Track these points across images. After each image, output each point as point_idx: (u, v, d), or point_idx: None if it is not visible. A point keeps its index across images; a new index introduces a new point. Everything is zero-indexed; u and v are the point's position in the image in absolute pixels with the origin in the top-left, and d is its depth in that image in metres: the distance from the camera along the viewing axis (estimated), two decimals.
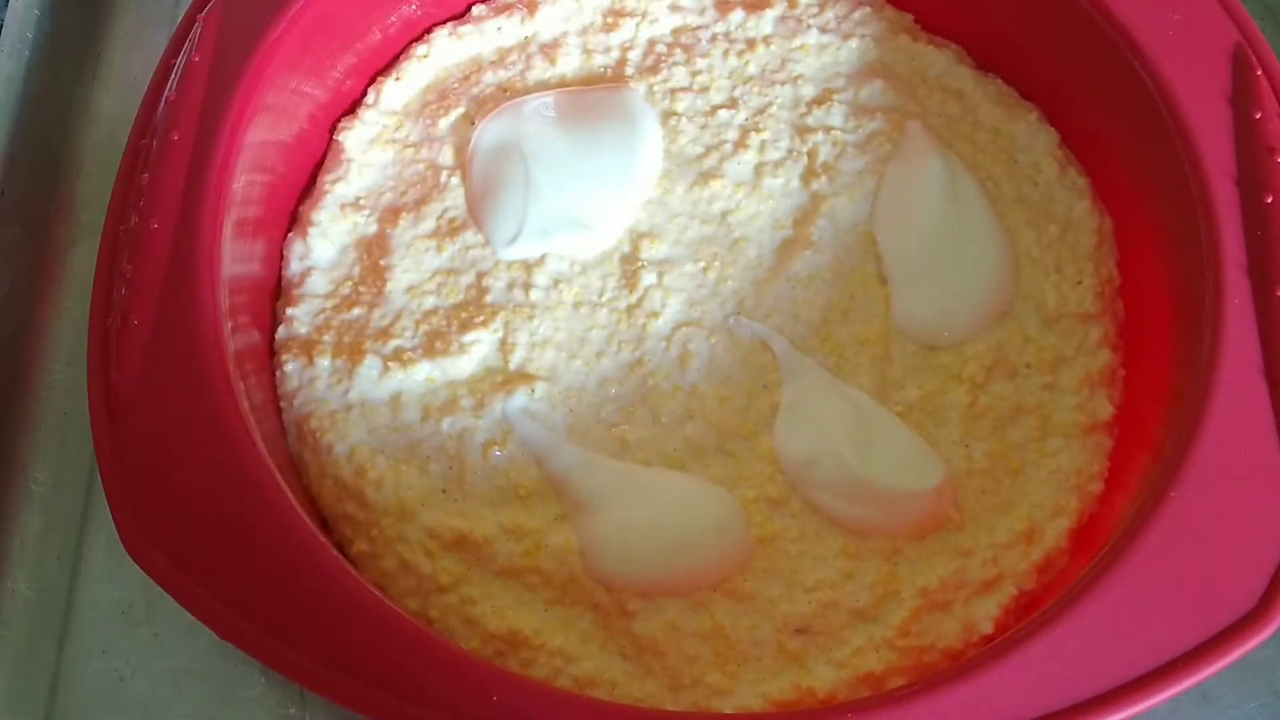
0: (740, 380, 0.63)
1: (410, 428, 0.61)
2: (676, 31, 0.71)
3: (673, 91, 0.69)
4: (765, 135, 0.68)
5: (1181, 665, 0.48)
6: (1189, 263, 0.58)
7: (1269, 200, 0.55)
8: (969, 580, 0.58)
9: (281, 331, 0.64)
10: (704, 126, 0.68)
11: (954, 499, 0.60)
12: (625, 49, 0.71)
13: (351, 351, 0.62)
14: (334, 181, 0.67)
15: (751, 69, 0.70)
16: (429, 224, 0.66)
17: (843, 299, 0.64)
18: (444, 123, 0.68)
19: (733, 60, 0.70)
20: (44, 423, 0.68)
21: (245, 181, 0.60)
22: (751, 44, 0.70)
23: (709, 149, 0.68)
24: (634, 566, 0.57)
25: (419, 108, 0.69)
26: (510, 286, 0.64)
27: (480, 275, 0.64)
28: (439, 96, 0.69)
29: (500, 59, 0.71)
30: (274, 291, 0.66)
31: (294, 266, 0.65)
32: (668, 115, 0.68)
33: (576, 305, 0.64)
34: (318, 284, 0.65)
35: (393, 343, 0.62)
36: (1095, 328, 0.63)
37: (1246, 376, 0.53)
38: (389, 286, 0.64)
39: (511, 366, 0.62)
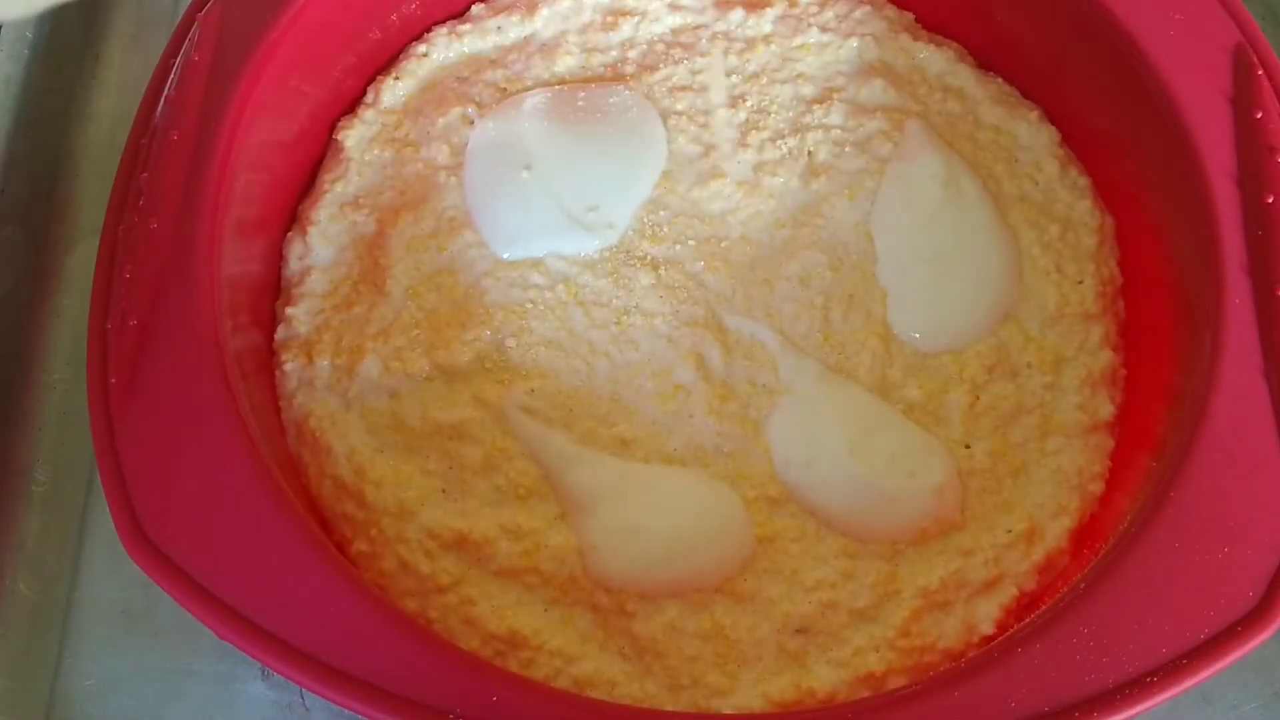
0: (740, 379, 0.63)
1: (410, 427, 0.61)
2: (676, 31, 0.71)
3: (673, 91, 0.69)
4: (765, 134, 0.68)
5: (1181, 665, 0.48)
6: (1190, 262, 0.58)
7: (1269, 200, 0.55)
8: (969, 580, 0.58)
9: (281, 331, 0.64)
10: (704, 126, 0.68)
11: (960, 501, 0.60)
12: (625, 48, 0.71)
13: (351, 351, 0.62)
14: (333, 180, 0.67)
15: (752, 68, 0.70)
16: (428, 223, 0.66)
17: (843, 299, 0.64)
18: (443, 122, 0.68)
19: (733, 59, 0.70)
20: (44, 423, 0.68)
21: (245, 181, 0.60)
22: (752, 43, 0.70)
23: (709, 148, 0.68)
24: (634, 567, 0.57)
25: (418, 107, 0.69)
26: (510, 286, 0.64)
27: (480, 275, 0.64)
28: (438, 95, 0.69)
29: (500, 58, 0.71)
30: (274, 291, 0.66)
31: (293, 266, 0.65)
32: (668, 114, 0.68)
33: (576, 305, 0.64)
34: (317, 283, 0.64)
35: (393, 342, 0.62)
36: (1096, 327, 0.63)
37: (1247, 376, 0.53)
38: (389, 286, 0.64)
39: (511, 366, 0.62)
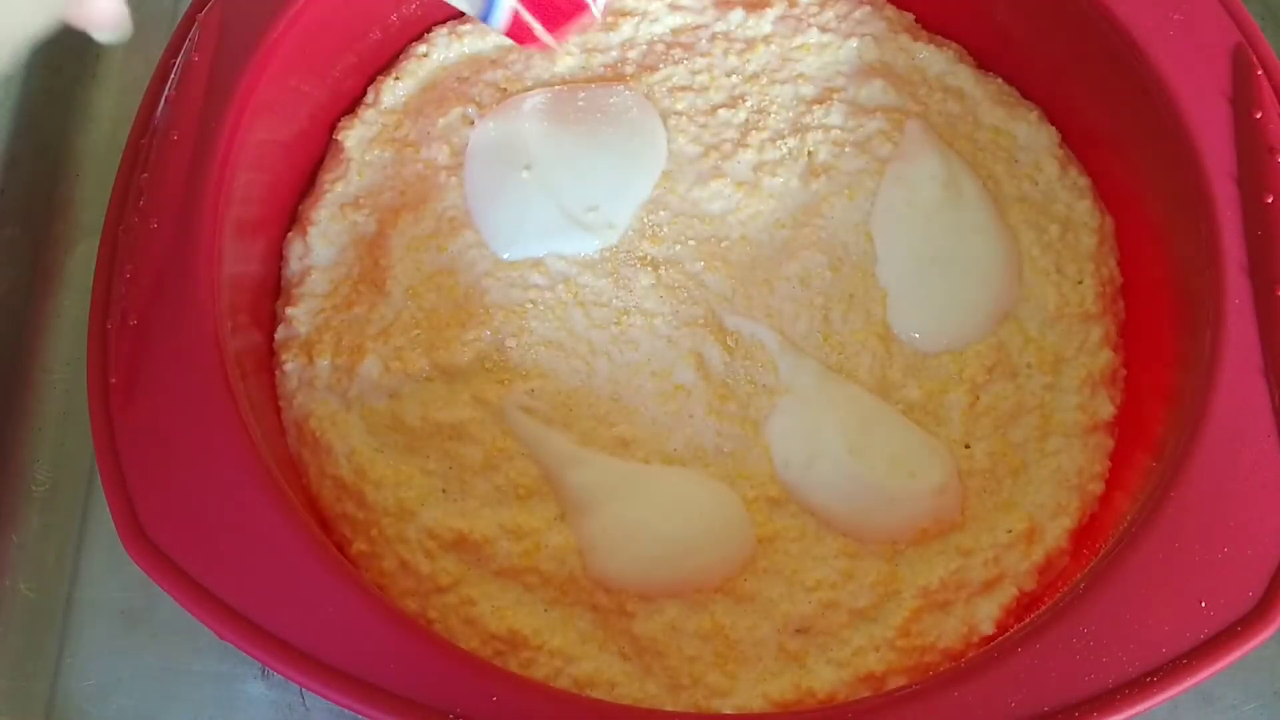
0: (740, 379, 0.63)
1: (410, 427, 0.61)
2: (676, 31, 0.71)
3: (673, 90, 0.69)
4: (765, 134, 0.68)
5: (1181, 665, 0.48)
6: (1189, 262, 0.58)
7: (1269, 200, 0.55)
8: (970, 580, 0.58)
9: (281, 331, 0.64)
10: (704, 126, 0.68)
11: (960, 501, 0.60)
12: (625, 48, 0.71)
13: (351, 351, 0.62)
14: (334, 181, 0.67)
15: (752, 68, 0.70)
16: (429, 223, 0.66)
17: (843, 299, 0.64)
18: (443, 122, 0.68)
19: (733, 59, 0.70)
20: (44, 423, 0.68)
21: (245, 181, 0.60)
22: (751, 43, 0.70)
23: (709, 148, 0.68)
24: (634, 567, 0.57)
25: (418, 107, 0.69)
26: (510, 286, 0.64)
27: (480, 275, 0.64)
28: (438, 95, 0.69)
29: (500, 58, 0.71)
30: (274, 291, 0.66)
31: (294, 266, 0.65)
32: (668, 114, 0.68)
33: (576, 305, 0.64)
34: (317, 283, 0.65)
35: (393, 342, 0.62)
36: (1096, 327, 0.63)
37: (1246, 376, 0.53)
38: (389, 286, 0.64)
39: (511, 366, 0.62)
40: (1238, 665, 0.48)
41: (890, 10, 0.72)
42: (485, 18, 0.56)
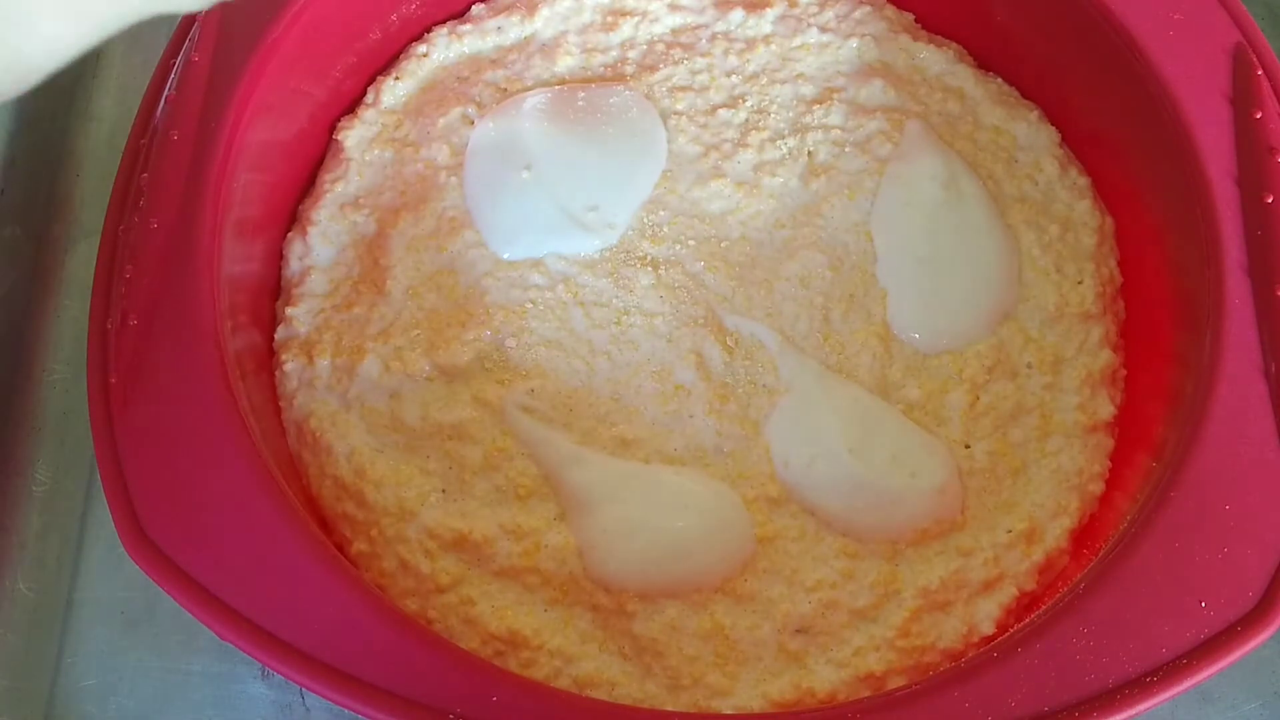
0: (740, 379, 0.63)
1: (410, 427, 0.61)
2: (676, 31, 0.71)
3: (673, 91, 0.69)
4: (765, 134, 0.68)
5: (1181, 665, 0.48)
6: (1189, 262, 0.58)
7: (1269, 200, 0.55)
8: (970, 580, 0.58)
9: (281, 331, 0.64)
10: (704, 126, 0.68)
11: (960, 501, 0.60)
12: (625, 48, 0.71)
13: (351, 351, 0.62)
14: (334, 181, 0.67)
15: (752, 68, 0.70)
16: (429, 223, 0.66)
17: (843, 299, 0.64)
18: (443, 122, 0.68)
19: (733, 59, 0.70)
20: (44, 423, 0.68)
21: (245, 181, 0.60)
22: (752, 43, 0.70)
23: (709, 148, 0.68)
24: (634, 567, 0.57)
25: (418, 107, 0.69)
26: (510, 286, 0.64)
27: (480, 275, 0.64)
28: (438, 95, 0.69)
29: (500, 58, 0.71)
30: (274, 291, 0.66)
31: (294, 266, 0.65)
32: (668, 114, 0.68)
33: (576, 305, 0.64)
34: (317, 283, 0.64)
35: (393, 342, 0.62)
36: (1096, 327, 0.63)
37: (1246, 376, 0.53)
38: (389, 286, 0.64)
39: (511, 365, 0.62)
40: (1238, 665, 0.48)
41: (890, 10, 0.72)
42: None
